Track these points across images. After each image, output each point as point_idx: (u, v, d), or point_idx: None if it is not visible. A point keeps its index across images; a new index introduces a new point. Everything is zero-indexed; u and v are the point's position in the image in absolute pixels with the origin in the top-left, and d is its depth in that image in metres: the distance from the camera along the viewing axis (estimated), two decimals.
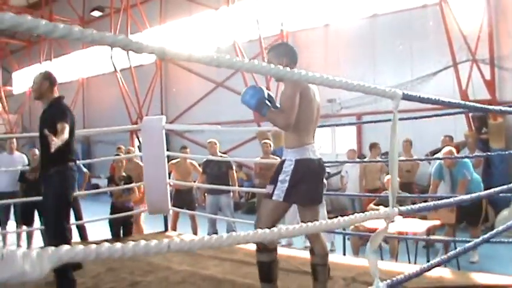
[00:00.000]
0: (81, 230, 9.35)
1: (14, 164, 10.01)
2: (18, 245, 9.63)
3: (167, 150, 8.16)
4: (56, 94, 5.27)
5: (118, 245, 1.42)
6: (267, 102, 4.05)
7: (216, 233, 9.99)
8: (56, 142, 4.53)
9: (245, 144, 17.65)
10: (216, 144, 10.09)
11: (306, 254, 6.79)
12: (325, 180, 5.14)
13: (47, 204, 5.10)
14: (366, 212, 2.79)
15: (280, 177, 4.05)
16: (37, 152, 9.91)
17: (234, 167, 10.35)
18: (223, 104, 18.75)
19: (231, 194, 10.20)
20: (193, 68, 19.86)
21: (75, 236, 9.40)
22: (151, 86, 21.63)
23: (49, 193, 5.07)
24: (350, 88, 2.56)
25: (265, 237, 2.08)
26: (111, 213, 8.50)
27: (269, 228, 3.82)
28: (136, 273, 5.57)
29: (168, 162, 8.46)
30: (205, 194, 10.57)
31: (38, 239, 8.99)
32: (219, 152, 10.34)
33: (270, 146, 10.73)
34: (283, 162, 4.10)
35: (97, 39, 1.51)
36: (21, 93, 32.41)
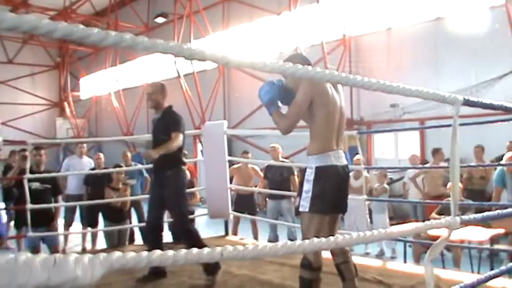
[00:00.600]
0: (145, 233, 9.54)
1: (83, 167, 10.29)
2: (83, 246, 9.85)
3: (229, 155, 8.20)
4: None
5: (170, 252, 1.43)
6: (278, 102, 4.03)
7: (277, 239, 10.01)
8: (154, 153, 5.43)
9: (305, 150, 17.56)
10: (278, 149, 10.06)
11: (366, 261, 6.75)
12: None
13: (169, 203, 5.69)
14: (426, 222, 2.73)
15: (304, 188, 3.94)
16: (102, 156, 10.15)
17: (295, 172, 10.31)
18: (286, 109, 18.73)
19: (292, 199, 10.17)
20: (256, 73, 19.89)
21: (139, 239, 9.60)
22: (214, 91, 21.79)
23: (169, 193, 5.63)
24: (409, 94, 2.52)
25: (321, 246, 2.05)
26: None
27: None
28: (195, 276, 5.61)
29: (229, 167, 8.50)
30: (267, 199, 10.58)
31: (101, 240, 9.19)
32: (281, 157, 10.33)
33: None
34: (304, 170, 4.01)
35: (148, 47, 1.53)
36: (88, 98, 33.22)
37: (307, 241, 1.95)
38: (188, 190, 8.48)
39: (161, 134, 5.61)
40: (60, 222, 9.04)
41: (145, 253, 1.36)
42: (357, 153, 8.82)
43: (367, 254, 10.01)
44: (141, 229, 9.50)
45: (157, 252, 1.40)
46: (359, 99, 16.71)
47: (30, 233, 7.17)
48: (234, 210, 8.73)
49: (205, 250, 1.49)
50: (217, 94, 22.04)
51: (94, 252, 8.22)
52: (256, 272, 5.80)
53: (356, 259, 6.73)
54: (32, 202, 7.10)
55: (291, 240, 9.35)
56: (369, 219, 9.77)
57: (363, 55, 16.95)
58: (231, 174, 9.18)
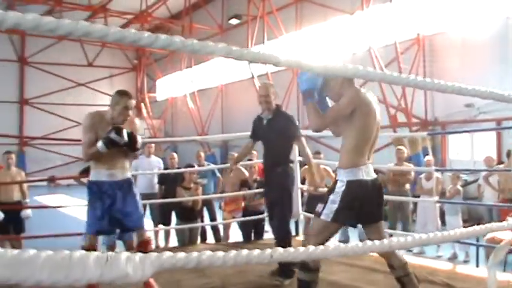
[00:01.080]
0: (216, 231, 9.69)
1: (151, 167, 10.49)
2: (156, 244, 10.07)
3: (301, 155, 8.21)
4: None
5: (220, 253, 1.46)
6: (316, 95, 4.01)
7: (348, 239, 9.96)
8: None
9: (380, 150, 17.33)
10: None
11: (437, 264, 6.66)
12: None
13: (274, 198, 5.86)
14: (487, 224, 2.70)
15: (331, 197, 3.96)
16: (175, 155, 10.34)
17: None
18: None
19: None
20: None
21: (210, 237, 9.76)
22: (287, 91, 21.80)
23: (276, 189, 5.80)
24: (481, 95, 2.48)
25: (383, 248, 2.06)
26: (243, 216, 8.71)
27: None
28: (265, 275, 5.66)
29: (301, 167, 8.52)
30: None
31: (174, 238, 9.38)
32: None
33: (404, 152, 10.56)
34: (335, 182, 4.01)
35: (197, 49, 1.58)
36: (164, 99, 33.85)
37: (377, 242, 1.96)
38: (257, 190, 8.59)
39: (275, 133, 5.79)
40: None
41: (195, 253, 1.41)
42: (427, 154, 8.69)
43: (439, 257, 9.84)
44: (213, 228, 9.67)
45: (207, 252, 1.44)
46: (433, 99, 16.40)
47: None
48: (305, 211, 8.72)
49: (256, 252, 1.51)
50: (291, 94, 22.03)
51: (166, 249, 8.40)
52: (325, 272, 5.73)
53: (426, 261, 6.70)
54: None
55: (361, 241, 9.32)
56: (440, 222, 9.63)
57: (437, 54, 16.59)
58: (303, 175, 9.18)
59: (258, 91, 6.14)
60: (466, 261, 9.48)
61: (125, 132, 4.68)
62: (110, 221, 4.86)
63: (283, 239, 5.64)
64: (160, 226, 9.71)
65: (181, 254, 1.38)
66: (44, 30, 1.30)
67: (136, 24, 28.96)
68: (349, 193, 3.90)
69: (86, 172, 9.41)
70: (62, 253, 1.16)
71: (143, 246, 4.92)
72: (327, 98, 4.15)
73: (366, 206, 3.97)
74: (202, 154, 10.99)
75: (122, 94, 4.94)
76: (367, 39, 18.08)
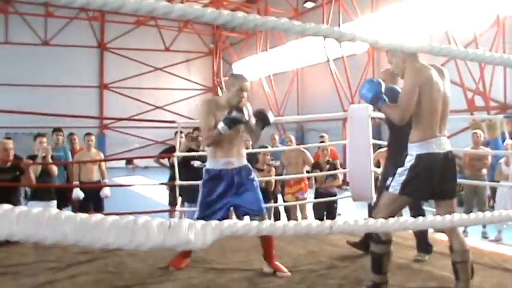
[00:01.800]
0: (289, 213, 9.74)
1: None
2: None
3: (378, 139, 8.15)
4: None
5: (280, 223, 1.51)
6: (384, 96, 4.02)
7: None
8: None
9: (458, 134, 16.95)
10: None
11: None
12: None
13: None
14: None
15: (399, 170, 4.02)
16: (249, 137, 10.39)
17: None
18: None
19: None
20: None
21: (284, 218, 9.81)
22: (363, 74, 21.56)
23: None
24: None
25: (444, 224, 2.04)
26: (315, 198, 8.73)
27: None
28: (334, 257, 5.68)
29: (376, 150, 8.46)
30: None
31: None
32: None
33: (481, 136, 10.32)
34: (405, 156, 4.05)
35: (288, 27, 1.61)
36: None
37: (438, 218, 1.95)
38: (330, 172, 8.59)
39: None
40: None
41: (255, 222, 1.45)
42: (504, 139, 8.46)
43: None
44: (286, 209, 9.73)
45: (267, 222, 1.48)
46: None
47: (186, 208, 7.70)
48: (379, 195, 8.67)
49: (315, 223, 1.54)
50: (367, 77, 21.76)
51: None
52: (395, 256, 5.74)
53: (503, 249, 6.56)
54: (195, 179, 7.51)
55: None
56: None
57: None
58: (377, 158, 9.11)
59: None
60: None
61: (245, 111, 4.75)
62: (223, 208, 4.98)
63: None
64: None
65: (242, 222, 1.42)
66: (128, 10, 1.36)
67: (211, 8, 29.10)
68: (417, 166, 3.95)
69: (165, 153, 9.68)
70: (127, 218, 1.22)
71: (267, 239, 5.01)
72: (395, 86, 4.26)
73: (435, 180, 3.98)
74: (276, 137, 11.04)
75: (237, 76, 5.05)
76: (444, 20, 17.63)
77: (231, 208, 5.20)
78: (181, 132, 8.70)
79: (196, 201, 6.63)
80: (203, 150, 8.81)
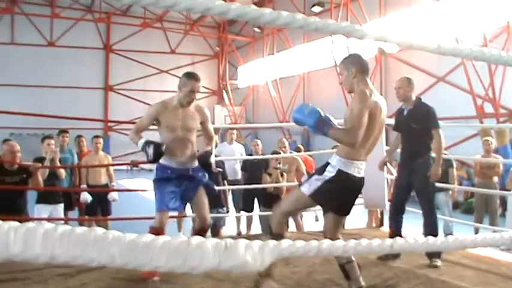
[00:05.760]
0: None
1: (234, 153, 10.53)
2: (238, 230, 10.11)
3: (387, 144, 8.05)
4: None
5: (339, 242, 1.41)
6: (329, 121, 4.03)
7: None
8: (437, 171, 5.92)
9: (466, 141, 16.84)
10: None
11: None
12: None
13: (417, 188, 6.10)
14: None
15: (317, 176, 4.13)
16: (259, 142, 10.30)
17: (454, 165, 9.92)
18: (444, 99, 17.96)
19: (450, 192, 9.82)
20: (413, 62, 19.38)
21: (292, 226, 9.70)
22: (371, 79, 21.37)
23: (418, 179, 6.00)
24: None
25: (496, 242, 1.93)
26: None
27: (284, 212, 4.29)
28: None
29: None
30: None
31: (256, 225, 9.40)
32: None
33: (492, 143, 10.20)
34: (327, 164, 4.16)
35: (320, 27, 1.52)
36: (245, 87, 33.98)
37: (481, 236, 1.84)
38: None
39: (416, 124, 6.00)
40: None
41: (315, 242, 1.36)
42: None
43: None
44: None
45: (327, 241, 1.39)
46: None
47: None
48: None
49: (376, 242, 1.45)
50: (374, 82, 21.62)
51: (249, 237, 8.42)
52: (411, 265, 5.68)
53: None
54: None
55: (446, 234, 9.09)
56: None
57: None
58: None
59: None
60: None
61: (160, 150, 4.86)
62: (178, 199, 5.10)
63: (432, 222, 5.95)
64: (243, 213, 9.76)
65: (300, 242, 1.33)
66: (164, 6, 1.26)
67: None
68: (334, 181, 4.06)
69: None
70: (179, 239, 1.11)
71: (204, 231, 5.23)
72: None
73: (342, 199, 4.19)
74: (286, 142, 10.93)
75: (190, 76, 5.19)
76: (453, 26, 17.48)
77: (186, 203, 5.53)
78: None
79: (212, 205, 6.74)
80: (215, 156, 8.77)
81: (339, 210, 4.27)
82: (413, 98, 6.18)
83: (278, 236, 4.07)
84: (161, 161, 5.10)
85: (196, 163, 5.21)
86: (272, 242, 1.23)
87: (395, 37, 1.79)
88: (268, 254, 1.19)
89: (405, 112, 6.18)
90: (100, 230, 1.06)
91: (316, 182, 4.11)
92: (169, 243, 1.08)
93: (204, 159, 5.17)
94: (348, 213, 4.35)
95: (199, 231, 5.17)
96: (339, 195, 4.11)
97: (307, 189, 4.13)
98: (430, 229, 5.80)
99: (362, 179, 4.19)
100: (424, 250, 1.54)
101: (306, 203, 4.28)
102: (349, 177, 4.07)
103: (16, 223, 0.99)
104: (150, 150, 4.83)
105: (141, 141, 4.93)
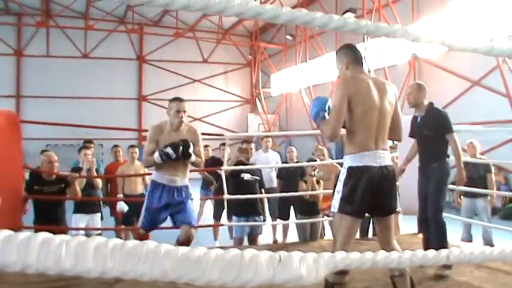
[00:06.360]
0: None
1: (269, 161, 10.50)
2: (274, 238, 10.07)
3: None
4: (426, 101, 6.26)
5: (394, 254, 1.37)
6: (324, 113, 3.95)
7: (471, 239, 9.53)
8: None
9: (504, 146, 16.55)
10: (475, 146, 9.60)
11: None
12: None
13: (429, 192, 5.97)
14: None
15: (337, 187, 3.92)
16: (294, 149, 10.25)
17: (493, 170, 9.75)
18: (480, 103, 17.72)
19: (489, 197, 9.65)
20: (447, 67, 19.15)
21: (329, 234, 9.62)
22: (404, 86, 21.25)
23: (431, 184, 5.94)
24: None
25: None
26: None
27: (343, 244, 3.78)
28: (389, 274, 5.51)
29: None
30: (461, 197, 10.13)
31: (292, 233, 9.35)
32: (478, 153, 9.83)
33: None
34: (340, 171, 4.03)
35: (372, 30, 1.49)
36: (278, 95, 33.94)
37: None
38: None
39: (428, 131, 6.02)
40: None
41: (369, 254, 1.32)
42: None
43: None
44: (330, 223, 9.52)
45: (382, 252, 1.35)
46: None
47: (234, 223, 7.97)
48: None
49: (432, 253, 1.41)
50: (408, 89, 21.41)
51: (284, 245, 8.39)
52: (451, 272, 5.59)
53: None
54: (245, 192, 7.48)
55: (485, 240, 8.96)
56: None
57: None
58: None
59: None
60: None
61: (181, 148, 5.28)
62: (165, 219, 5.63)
63: (438, 231, 5.80)
64: (279, 221, 9.74)
65: (355, 254, 1.29)
66: (213, 12, 1.24)
67: (248, 19, 29.24)
68: (349, 179, 3.84)
69: (209, 165, 9.67)
70: (233, 252, 1.08)
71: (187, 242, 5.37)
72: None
73: (371, 194, 3.83)
74: (325, 150, 10.84)
75: (173, 99, 5.70)
76: (488, 27, 17.21)
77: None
78: (224, 144, 8.71)
79: (247, 215, 6.75)
80: (252, 164, 8.79)
81: (373, 210, 3.97)
82: (425, 103, 6.22)
83: (345, 272, 4.00)
84: (153, 177, 5.63)
85: (186, 180, 5.60)
86: (327, 254, 1.20)
87: (455, 41, 1.74)
88: (323, 267, 1.15)
89: (419, 119, 6.22)
90: (152, 244, 1.03)
91: (338, 195, 3.89)
92: (222, 257, 1.05)
93: (185, 144, 5.37)
94: (385, 210, 3.97)
95: (183, 243, 5.31)
96: (360, 192, 3.77)
97: (336, 208, 3.90)
98: (435, 232, 5.81)
99: (385, 167, 3.86)
100: (481, 261, 1.49)
101: (349, 222, 3.84)
102: (363, 168, 3.80)
103: (67, 236, 0.97)
104: (170, 150, 5.23)
105: (156, 155, 5.33)
